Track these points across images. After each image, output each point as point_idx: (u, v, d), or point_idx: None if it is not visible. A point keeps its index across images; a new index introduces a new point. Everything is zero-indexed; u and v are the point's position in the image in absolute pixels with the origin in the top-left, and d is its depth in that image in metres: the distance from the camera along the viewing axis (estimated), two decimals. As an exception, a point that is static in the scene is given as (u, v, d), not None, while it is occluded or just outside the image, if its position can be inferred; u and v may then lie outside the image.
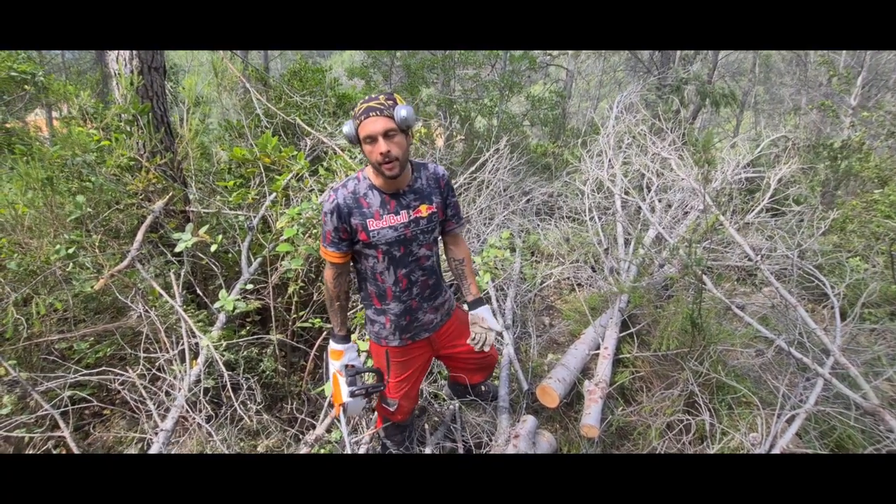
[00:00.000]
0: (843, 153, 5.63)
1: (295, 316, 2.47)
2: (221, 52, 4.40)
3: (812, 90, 9.56)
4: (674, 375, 2.39)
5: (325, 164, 2.98)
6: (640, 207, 3.63)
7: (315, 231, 2.39)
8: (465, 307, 1.84)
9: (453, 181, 4.29)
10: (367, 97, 1.44)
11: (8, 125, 4.23)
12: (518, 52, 7.54)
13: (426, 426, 2.21)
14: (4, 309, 2.01)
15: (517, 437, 2.00)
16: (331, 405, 2.13)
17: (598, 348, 2.68)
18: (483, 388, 2.41)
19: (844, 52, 7.26)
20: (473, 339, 1.70)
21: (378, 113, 1.39)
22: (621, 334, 2.78)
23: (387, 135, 1.40)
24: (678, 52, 7.37)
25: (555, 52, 9.59)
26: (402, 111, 1.40)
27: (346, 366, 1.62)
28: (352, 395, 1.56)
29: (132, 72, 2.64)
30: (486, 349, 1.72)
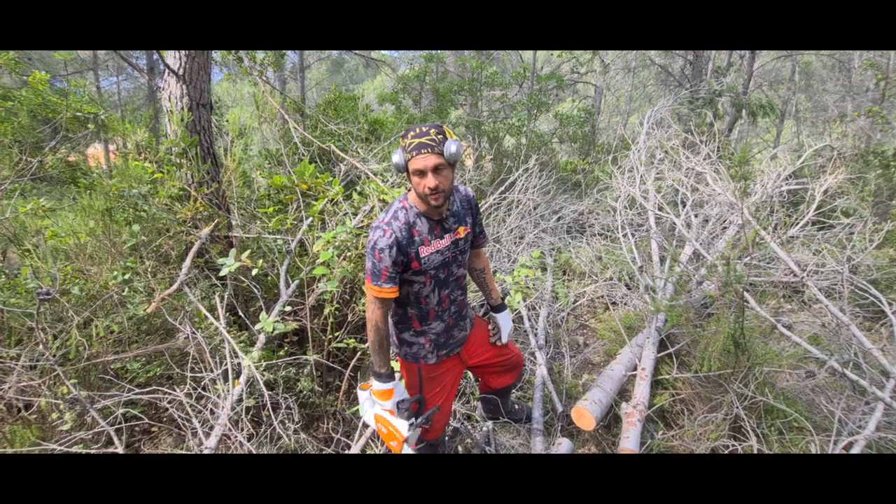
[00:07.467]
0: (896, 161, 5.34)
1: (330, 336, 2.53)
2: (263, 85, 4.66)
3: (858, 96, 9.11)
4: (717, 398, 2.29)
5: (358, 188, 3.08)
6: (674, 223, 3.54)
7: (350, 254, 2.47)
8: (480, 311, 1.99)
9: (483, 202, 4.33)
10: (417, 129, 1.43)
11: (71, 158, 4.61)
12: (545, 72, 7.60)
13: (459, 448, 2.21)
14: (68, 331, 2.17)
15: (553, 460, 1.96)
16: (377, 438, 2.17)
17: (635, 369, 2.60)
18: (516, 406, 2.38)
19: (893, 53, 6.90)
20: (492, 332, 1.93)
21: (429, 150, 1.41)
22: (659, 354, 2.70)
23: (436, 170, 1.44)
24: (710, 65, 7.23)
25: (583, 70, 9.58)
26: (452, 147, 1.44)
27: (398, 402, 1.62)
28: (410, 427, 1.58)
29: (182, 108, 2.85)
30: (504, 340, 1.91)
